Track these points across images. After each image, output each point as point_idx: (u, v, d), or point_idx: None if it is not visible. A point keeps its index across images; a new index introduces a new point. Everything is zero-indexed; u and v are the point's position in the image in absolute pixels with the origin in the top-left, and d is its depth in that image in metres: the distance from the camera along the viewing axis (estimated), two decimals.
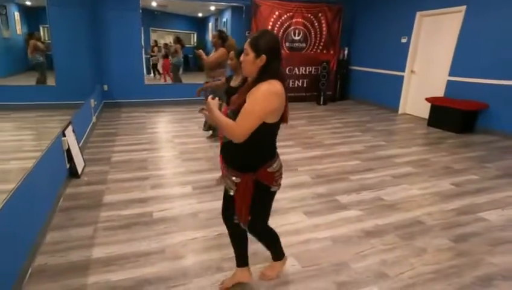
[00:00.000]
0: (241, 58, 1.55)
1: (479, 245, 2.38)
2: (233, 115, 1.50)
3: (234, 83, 2.93)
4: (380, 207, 2.93)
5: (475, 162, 4.03)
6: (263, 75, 1.49)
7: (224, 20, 8.71)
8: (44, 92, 4.28)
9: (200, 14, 9.98)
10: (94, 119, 5.45)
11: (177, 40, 8.89)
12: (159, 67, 9.36)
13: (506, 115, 4.92)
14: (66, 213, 2.72)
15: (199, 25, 10.33)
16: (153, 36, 9.60)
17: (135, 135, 5.07)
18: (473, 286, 1.97)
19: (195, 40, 10.06)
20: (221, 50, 4.33)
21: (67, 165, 3.32)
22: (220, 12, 8.91)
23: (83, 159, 3.74)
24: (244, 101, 1.46)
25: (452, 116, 5.34)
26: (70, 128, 3.53)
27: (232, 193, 1.67)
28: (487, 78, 5.07)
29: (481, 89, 5.16)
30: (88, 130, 4.84)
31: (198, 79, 8.50)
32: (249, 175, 1.60)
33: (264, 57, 1.47)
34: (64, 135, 3.25)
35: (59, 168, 3.12)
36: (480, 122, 5.30)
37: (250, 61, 1.50)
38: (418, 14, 6.26)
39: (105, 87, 6.89)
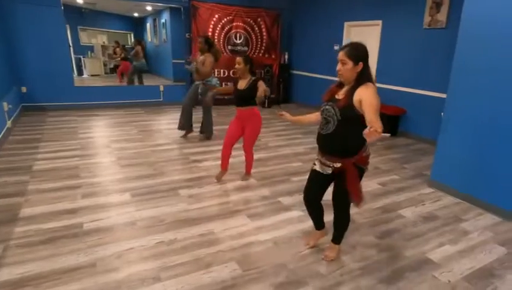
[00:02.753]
0: (338, 67, 1.86)
1: (397, 240, 2.59)
2: (341, 112, 1.84)
3: (241, 86, 3.25)
4: None
5: (397, 163, 4.41)
6: (361, 79, 1.82)
7: (163, 21, 8.45)
8: None
9: (136, 14, 9.56)
10: (9, 124, 4.85)
11: (137, 42, 8.40)
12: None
13: (420, 120, 5.50)
14: None
15: (136, 25, 9.89)
16: (83, 35, 8.94)
17: (64, 140, 4.65)
18: (390, 279, 2.14)
19: (132, 40, 9.61)
20: (209, 56, 4.61)
21: None
22: (158, 13, 8.62)
23: None
24: (350, 102, 1.79)
25: None
26: None
27: (329, 172, 2.03)
28: (404, 87, 5.61)
29: (400, 96, 5.69)
30: (0, 136, 4.31)
31: (145, 81, 8.16)
32: (349, 160, 1.92)
33: (361, 64, 1.82)
34: None
35: None
36: (401, 126, 5.83)
37: (349, 69, 1.83)
38: (346, 24, 6.72)
39: (24, 89, 6.19)
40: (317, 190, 2.17)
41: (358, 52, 1.81)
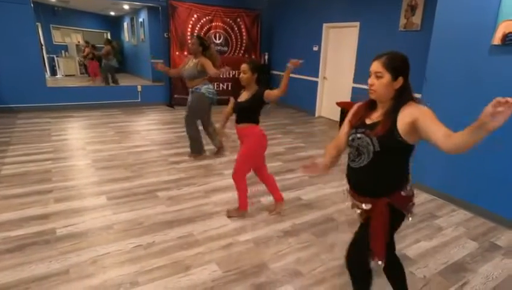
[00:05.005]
0: (371, 81, 1.43)
1: None
2: (380, 141, 1.40)
3: (242, 97, 2.68)
4: (299, 207, 3.07)
5: None
6: (402, 98, 1.42)
7: (140, 20, 8.29)
8: None
9: (112, 13, 9.32)
10: None
11: (108, 42, 8.17)
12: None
13: None
14: None
15: (112, 23, 9.65)
16: (56, 34, 8.63)
17: (35, 143, 4.46)
18: None
19: (110, 39, 9.36)
20: (207, 61, 3.82)
21: None
22: (135, 12, 8.45)
23: None
24: (389, 128, 1.38)
25: None
26: None
27: (361, 217, 1.56)
28: None
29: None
30: None
31: (123, 81, 7.95)
32: (382, 200, 1.47)
33: (401, 79, 1.41)
34: None
35: None
36: None
37: (386, 85, 1.40)
38: (325, 25, 6.81)
39: None
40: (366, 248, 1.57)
41: (398, 64, 1.41)
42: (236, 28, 7.78)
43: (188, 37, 7.22)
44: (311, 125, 6.68)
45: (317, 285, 2.05)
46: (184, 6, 7.03)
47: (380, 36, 5.63)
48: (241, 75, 2.60)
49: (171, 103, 7.39)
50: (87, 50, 8.55)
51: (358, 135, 1.48)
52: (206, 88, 3.99)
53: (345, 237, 2.59)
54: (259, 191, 3.34)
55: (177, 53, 7.13)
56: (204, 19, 7.32)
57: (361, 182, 1.55)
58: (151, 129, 5.49)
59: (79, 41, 8.93)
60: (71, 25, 8.82)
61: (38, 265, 2.07)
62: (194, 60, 3.93)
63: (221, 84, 7.99)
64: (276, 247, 2.42)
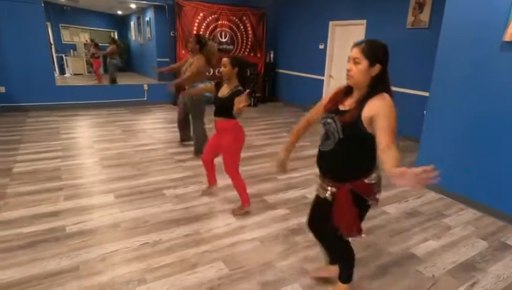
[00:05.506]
0: (349, 66, 1.45)
1: (381, 237, 2.63)
2: (344, 129, 1.46)
3: (223, 93, 2.65)
4: (305, 205, 3.06)
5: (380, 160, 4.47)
6: (377, 86, 1.44)
7: (147, 19, 8.32)
8: None
9: (119, 12, 9.40)
10: None
11: (113, 41, 8.23)
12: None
13: (401, 119, 5.53)
14: None
15: (120, 23, 9.72)
16: (65, 34, 8.73)
17: (45, 141, 4.51)
18: (374, 274, 2.17)
19: (116, 38, 9.44)
20: (200, 58, 3.88)
21: None
22: (142, 11, 8.49)
23: None
24: (356, 119, 1.42)
25: None
26: None
27: (327, 196, 1.65)
28: None
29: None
30: None
31: (129, 80, 8.01)
32: (344, 185, 1.56)
33: (378, 66, 1.42)
34: None
35: None
36: None
37: (363, 71, 1.42)
38: (331, 23, 6.76)
39: (2, 89, 5.99)
40: (319, 218, 1.82)
41: (377, 51, 1.43)
42: (242, 27, 7.79)
43: None
44: (317, 124, 6.65)
45: (324, 284, 2.05)
46: (190, 5, 7.05)
47: (387, 34, 5.57)
48: (222, 68, 2.63)
49: (176, 102, 7.42)
50: (91, 49, 8.62)
51: (329, 120, 1.54)
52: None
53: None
54: (264, 189, 3.35)
55: (183, 52, 7.15)
56: (210, 18, 7.33)
57: (327, 166, 1.63)
58: (158, 128, 5.53)
59: (86, 40, 9.02)
60: (79, 24, 8.92)
61: (49, 262, 2.11)
62: (191, 59, 4.02)
63: None
64: (283, 245, 2.42)
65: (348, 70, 1.46)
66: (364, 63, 1.42)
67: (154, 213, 2.79)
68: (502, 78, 2.82)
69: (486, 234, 2.71)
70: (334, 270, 1.95)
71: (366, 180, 1.55)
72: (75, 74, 8.93)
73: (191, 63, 3.97)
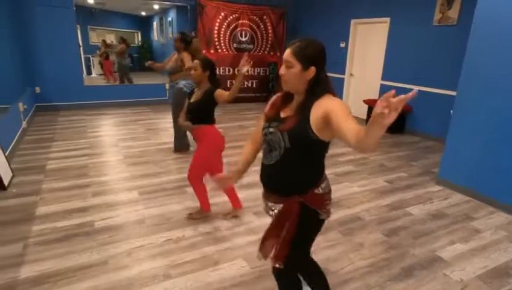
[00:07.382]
0: (281, 71, 1.31)
1: (405, 238, 2.58)
2: (290, 137, 1.30)
3: (196, 98, 2.51)
4: None
5: (404, 160, 4.37)
6: (316, 89, 1.29)
7: (169, 19, 8.49)
8: None
9: (143, 13, 9.64)
10: (24, 124, 4.95)
11: (122, 40, 8.45)
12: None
13: (426, 118, 5.45)
14: None
15: (143, 23, 9.96)
16: (93, 35, 9.04)
17: (74, 139, 4.71)
18: (399, 276, 2.14)
19: (139, 39, 9.68)
20: (185, 55, 3.91)
21: None
22: (164, 12, 8.66)
23: (11, 168, 3.37)
24: (302, 122, 1.27)
25: None
26: None
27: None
28: (411, 84, 5.53)
29: (406, 94, 5.63)
30: (17, 136, 4.39)
31: (147, 79, 8.21)
32: (294, 198, 1.37)
33: (313, 68, 1.27)
34: None
35: None
36: (407, 124, 5.78)
37: (296, 75, 1.28)
38: (353, 21, 6.66)
39: (38, 90, 6.30)
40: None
41: (309, 52, 1.27)
42: (262, 26, 7.80)
43: (215, 35, 7.32)
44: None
45: (346, 283, 2.04)
46: (212, 5, 7.13)
47: (411, 32, 5.45)
48: (192, 71, 2.49)
49: None
50: (103, 48, 8.77)
51: (271, 130, 1.36)
52: (185, 83, 3.99)
53: (372, 237, 2.57)
54: None
55: (204, 51, 7.24)
56: (231, 17, 7.39)
57: (272, 180, 1.43)
58: None
59: (112, 41, 9.29)
60: (106, 26, 9.21)
61: (81, 255, 2.21)
62: (176, 56, 4.15)
63: (246, 82, 8.04)
64: None
65: (282, 75, 1.32)
66: (297, 67, 1.27)
67: (176, 210, 2.86)
68: None
69: None
70: None
71: (316, 191, 1.39)
72: (100, 74, 9.24)
73: (177, 59, 4.07)
